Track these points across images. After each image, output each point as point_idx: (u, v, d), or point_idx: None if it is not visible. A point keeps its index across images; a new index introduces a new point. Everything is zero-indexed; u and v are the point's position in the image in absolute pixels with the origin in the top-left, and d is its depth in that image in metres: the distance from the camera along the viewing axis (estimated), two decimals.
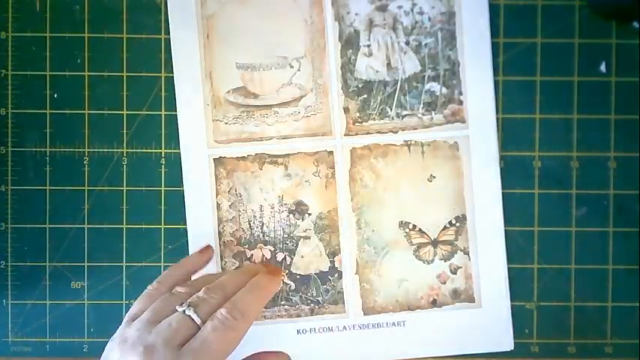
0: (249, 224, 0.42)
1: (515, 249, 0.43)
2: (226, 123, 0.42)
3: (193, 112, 0.42)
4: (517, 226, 0.43)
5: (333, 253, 0.43)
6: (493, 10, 0.42)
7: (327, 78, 0.42)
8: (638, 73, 0.42)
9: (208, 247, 0.42)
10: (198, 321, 0.33)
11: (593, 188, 0.43)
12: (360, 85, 0.42)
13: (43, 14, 0.42)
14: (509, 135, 0.43)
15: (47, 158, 0.43)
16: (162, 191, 0.43)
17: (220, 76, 0.42)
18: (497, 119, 0.42)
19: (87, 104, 0.43)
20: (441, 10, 0.42)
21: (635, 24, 0.42)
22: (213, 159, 0.42)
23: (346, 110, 0.42)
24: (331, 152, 0.42)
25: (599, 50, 0.43)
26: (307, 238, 0.43)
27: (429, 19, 0.42)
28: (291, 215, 0.43)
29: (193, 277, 0.40)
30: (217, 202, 0.42)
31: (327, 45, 0.42)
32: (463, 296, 0.43)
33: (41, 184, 0.43)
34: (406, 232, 0.42)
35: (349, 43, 0.42)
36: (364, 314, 0.43)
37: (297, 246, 0.43)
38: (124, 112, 0.43)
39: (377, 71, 0.42)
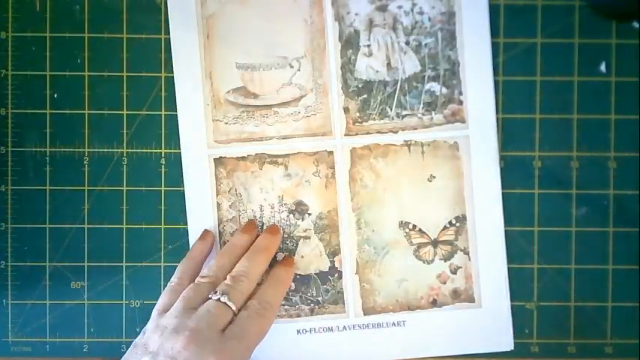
0: None
1: (515, 249, 0.43)
2: (226, 123, 0.42)
3: (193, 112, 0.42)
4: (517, 226, 0.43)
5: (333, 253, 0.43)
6: (493, 10, 0.42)
7: (327, 78, 0.42)
8: (638, 73, 0.42)
9: (207, 233, 0.42)
10: (233, 307, 0.36)
11: (593, 188, 0.43)
12: (360, 85, 0.42)
13: (43, 14, 0.42)
14: (509, 135, 0.43)
15: (47, 158, 0.43)
16: (162, 191, 0.43)
17: (220, 76, 0.42)
18: (497, 119, 0.42)
19: (87, 104, 0.43)
20: (441, 10, 0.42)
21: (635, 24, 0.42)
22: (214, 159, 0.42)
23: (346, 110, 0.42)
24: (331, 152, 0.42)
25: (599, 50, 0.43)
26: (307, 238, 0.43)
27: (429, 19, 0.42)
28: (291, 215, 0.43)
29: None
30: (217, 202, 0.42)
31: (327, 45, 0.42)
32: (463, 296, 0.42)
33: (41, 184, 0.43)
34: (406, 232, 0.42)
35: (349, 43, 0.42)
36: (364, 314, 0.43)
37: (297, 246, 0.43)
38: (124, 112, 0.43)
39: (377, 71, 0.42)
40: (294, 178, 0.42)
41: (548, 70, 0.43)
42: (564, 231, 0.43)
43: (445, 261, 0.43)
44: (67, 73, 0.42)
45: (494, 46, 0.42)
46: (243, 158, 0.42)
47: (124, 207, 0.43)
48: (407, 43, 0.42)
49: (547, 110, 0.43)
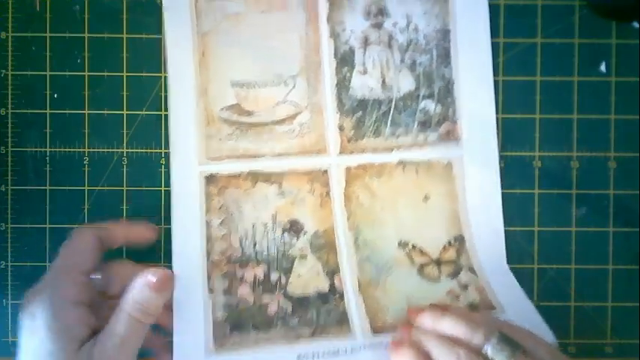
0: (240, 243, 0.41)
1: (515, 249, 0.43)
2: (220, 140, 0.42)
3: (186, 129, 0.41)
4: (517, 226, 0.43)
5: (332, 272, 0.41)
6: (493, 10, 0.42)
7: (322, 95, 0.42)
8: (638, 73, 0.42)
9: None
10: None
11: (593, 188, 0.43)
12: (355, 103, 0.42)
13: (43, 14, 0.42)
14: (509, 135, 0.43)
15: (47, 158, 0.43)
16: (162, 191, 0.43)
17: (215, 93, 0.42)
18: (497, 119, 0.42)
19: (87, 104, 0.43)
20: (436, 28, 0.42)
21: (635, 24, 0.42)
22: (205, 176, 0.41)
23: (341, 128, 0.42)
24: (325, 171, 0.42)
25: (599, 50, 0.42)
26: (304, 257, 0.41)
27: (424, 36, 0.42)
28: (285, 234, 0.42)
29: None
30: (207, 220, 0.41)
31: (322, 62, 0.42)
32: (482, 306, 0.41)
33: (41, 184, 0.43)
34: (407, 252, 0.42)
35: (344, 60, 0.42)
36: (373, 333, 0.40)
37: (292, 265, 0.41)
38: (124, 112, 0.43)
39: (372, 89, 0.42)
40: (287, 196, 0.42)
41: (548, 70, 0.43)
42: (564, 231, 0.43)
43: (452, 278, 0.41)
44: (67, 73, 0.42)
45: (494, 46, 0.42)
46: (235, 176, 0.42)
47: (124, 207, 0.43)
48: (402, 60, 0.42)
49: (547, 110, 0.43)
